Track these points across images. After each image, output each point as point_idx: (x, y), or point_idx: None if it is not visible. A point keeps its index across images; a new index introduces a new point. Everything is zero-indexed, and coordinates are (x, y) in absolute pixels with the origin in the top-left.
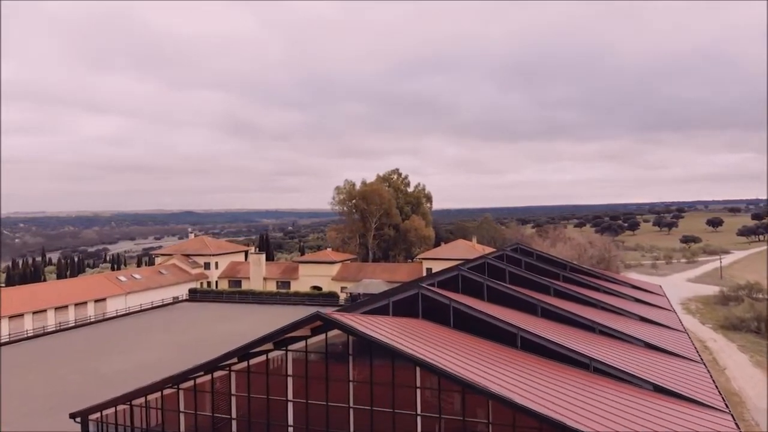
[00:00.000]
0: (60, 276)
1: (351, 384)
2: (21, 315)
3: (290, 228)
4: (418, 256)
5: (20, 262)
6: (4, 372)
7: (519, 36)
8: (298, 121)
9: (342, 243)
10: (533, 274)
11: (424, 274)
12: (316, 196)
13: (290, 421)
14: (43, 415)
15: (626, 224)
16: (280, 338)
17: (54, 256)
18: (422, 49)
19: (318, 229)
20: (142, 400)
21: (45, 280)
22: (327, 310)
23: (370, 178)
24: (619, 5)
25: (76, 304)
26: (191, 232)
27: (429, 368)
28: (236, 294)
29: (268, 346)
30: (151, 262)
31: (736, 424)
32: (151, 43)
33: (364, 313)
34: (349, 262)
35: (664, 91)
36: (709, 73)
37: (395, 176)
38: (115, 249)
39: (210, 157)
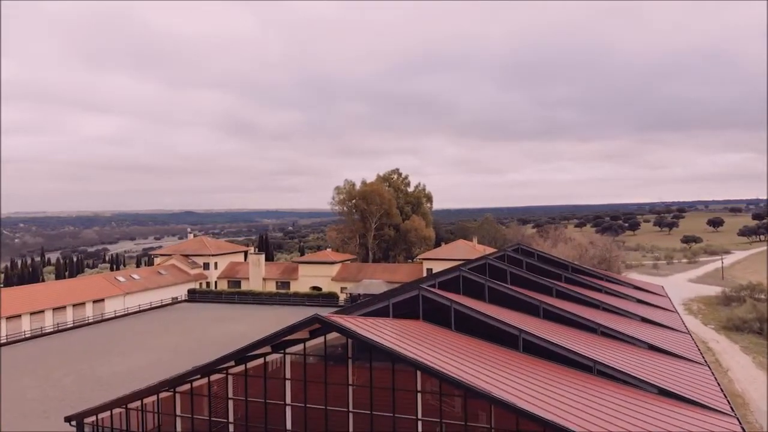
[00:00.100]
0: (59, 276)
1: (350, 388)
2: (18, 316)
3: (290, 228)
4: (418, 257)
5: (19, 263)
6: (1, 374)
7: (519, 36)
8: (298, 121)
9: (342, 243)
10: (535, 274)
11: (425, 274)
12: (316, 196)
13: (288, 425)
14: (39, 417)
15: (627, 224)
16: (278, 341)
17: (54, 257)
18: (422, 49)
19: (318, 229)
20: (138, 403)
21: (43, 281)
22: (326, 312)
23: (370, 178)
24: (619, 5)
25: (74, 305)
26: (190, 233)
27: (430, 372)
28: (235, 294)
29: (266, 349)
30: (150, 263)
31: (742, 428)
32: (151, 43)
33: (364, 314)
34: (349, 262)
35: (664, 91)
36: (709, 73)
37: (395, 176)
38: (115, 249)
39: (210, 157)
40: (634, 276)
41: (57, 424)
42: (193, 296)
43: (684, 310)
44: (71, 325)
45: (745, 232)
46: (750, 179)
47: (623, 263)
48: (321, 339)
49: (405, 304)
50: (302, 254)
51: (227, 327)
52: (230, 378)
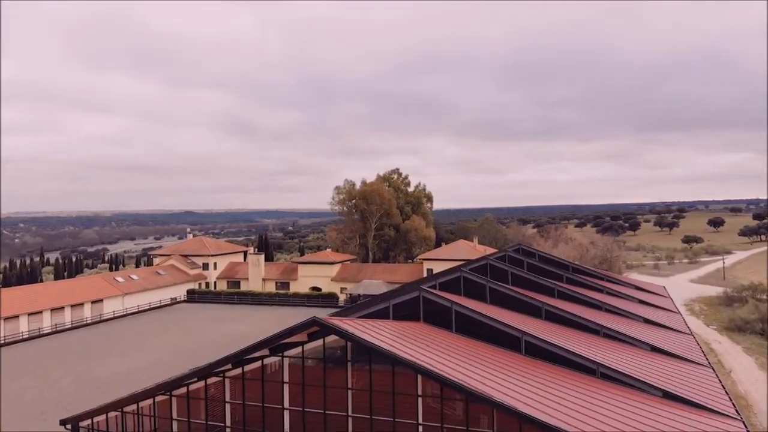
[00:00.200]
0: (57, 277)
1: (349, 391)
2: (16, 317)
3: (290, 228)
4: (418, 257)
5: (18, 263)
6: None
7: (519, 36)
8: (298, 121)
9: (342, 243)
10: (536, 275)
11: (425, 274)
12: (316, 196)
13: (286, 429)
14: (37, 419)
15: (627, 224)
16: (275, 344)
17: (54, 257)
18: (422, 49)
19: (318, 229)
20: (134, 406)
21: (42, 281)
22: (326, 312)
23: (370, 177)
24: (619, 5)
25: (72, 306)
26: (190, 233)
27: (430, 376)
28: (235, 295)
29: (264, 351)
30: (149, 263)
31: (748, 431)
32: (151, 43)
33: (364, 316)
34: (348, 262)
35: (664, 91)
36: (709, 73)
37: (395, 176)
38: (115, 249)
39: (210, 157)
40: (635, 276)
41: (55, 425)
42: (192, 297)
43: (686, 310)
44: (69, 326)
45: (745, 232)
46: (750, 179)
47: (624, 263)
48: (320, 342)
49: (405, 306)
50: (302, 254)
51: (226, 327)
52: (227, 381)
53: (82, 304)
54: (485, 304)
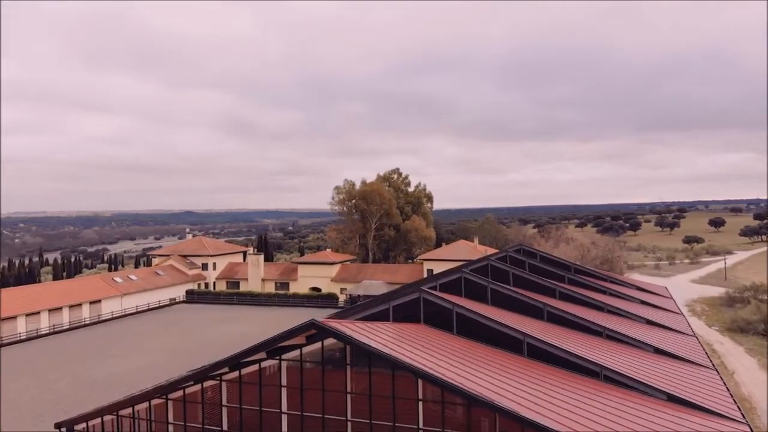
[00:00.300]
0: (56, 277)
1: (349, 395)
2: (14, 317)
3: (290, 228)
4: (418, 257)
5: (16, 263)
6: None
7: (519, 35)
8: (298, 121)
9: (342, 243)
10: (537, 276)
11: (425, 275)
12: (316, 196)
13: None
14: (34, 421)
15: (628, 224)
16: (273, 347)
17: (54, 257)
18: (422, 49)
19: (318, 229)
20: (129, 410)
21: (40, 281)
22: (326, 313)
23: (370, 177)
24: (619, 5)
25: (70, 306)
26: (189, 233)
27: (431, 380)
28: (234, 295)
29: (261, 355)
30: (148, 263)
31: None
32: (151, 43)
33: (363, 318)
34: (348, 263)
35: (664, 91)
36: (709, 73)
37: (395, 176)
38: (115, 249)
39: (210, 157)
40: (637, 276)
41: (52, 427)
42: (192, 297)
43: (687, 311)
44: (68, 327)
45: (746, 233)
46: (750, 179)
47: (625, 264)
48: (318, 344)
49: (405, 307)
50: (302, 254)
51: (226, 328)
52: (224, 385)
53: (80, 305)
54: (487, 306)
